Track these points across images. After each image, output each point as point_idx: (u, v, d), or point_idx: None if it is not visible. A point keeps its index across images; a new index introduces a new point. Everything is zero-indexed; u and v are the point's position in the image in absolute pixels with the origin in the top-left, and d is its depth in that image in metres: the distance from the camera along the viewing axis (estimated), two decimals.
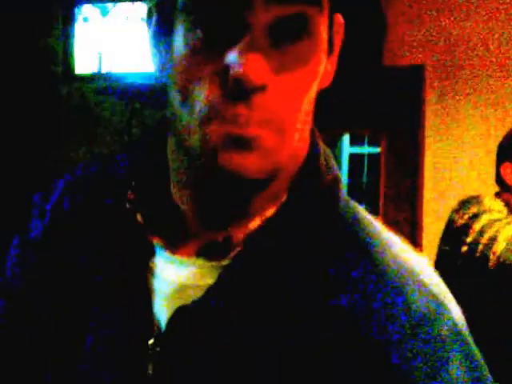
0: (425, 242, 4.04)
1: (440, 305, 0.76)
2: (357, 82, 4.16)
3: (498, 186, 2.31)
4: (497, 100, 3.84)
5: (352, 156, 6.36)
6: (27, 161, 4.12)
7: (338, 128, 4.61)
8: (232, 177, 0.73)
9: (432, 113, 4.05)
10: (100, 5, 4.32)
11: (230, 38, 0.70)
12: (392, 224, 3.46)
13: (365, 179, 6.44)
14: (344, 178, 6.47)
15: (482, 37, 3.86)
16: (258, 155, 0.72)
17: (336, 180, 0.82)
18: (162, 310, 0.81)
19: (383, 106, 4.18)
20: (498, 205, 2.21)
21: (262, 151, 0.72)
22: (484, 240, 2.03)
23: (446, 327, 0.75)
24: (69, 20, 4.30)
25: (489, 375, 0.77)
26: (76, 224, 0.88)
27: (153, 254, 0.82)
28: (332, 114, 4.30)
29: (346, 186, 6.48)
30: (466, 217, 2.12)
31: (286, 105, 0.72)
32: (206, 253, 0.80)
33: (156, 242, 0.82)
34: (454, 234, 2.16)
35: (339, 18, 0.78)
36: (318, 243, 0.77)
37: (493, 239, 2.03)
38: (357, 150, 6.38)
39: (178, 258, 0.82)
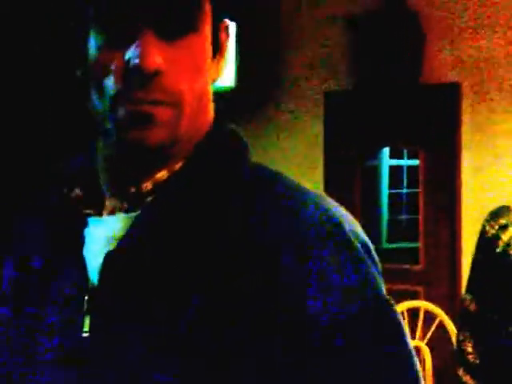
0: (464, 248, 4.10)
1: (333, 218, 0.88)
2: (396, 98, 4.26)
3: None
4: None
5: (392, 168, 6.42)
6: None
7: (378, 141, 4.71)
8: (136, 148, 0.88)
9: (468, 129, 4.08)
10: None
11: (128, 37, 0.86)
12: (432, 234, 3.53)
13: (405, 191, 6.51)
14: (384, 189, 6.54)
15: None
16: (156, 128, 0.87)
17: (235, 139, 0.97)
18: (95, 268, 0.91)
19: (421, 121, 4.28)
20: None
21: (160, 124, 0.86)
22: None
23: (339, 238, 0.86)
24: None
25: (380, 288, 0.87)
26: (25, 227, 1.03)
27: (87, 224, 0.94)
28: (372, 129, 4.41)
29: (386, 197, 6.56)
30: (497, 227, 2.11)
31: (180, 86, 0.87)
32: (124, 208, 0.93)
33: (88, 212, 0.95)
34: (485, 244, 2.15)
35: (226, 22, 0.96)
36: (219, 189, 0.91)
37: None
38: (396, 162, 6.44)
39: (104, 218, 0.94)
